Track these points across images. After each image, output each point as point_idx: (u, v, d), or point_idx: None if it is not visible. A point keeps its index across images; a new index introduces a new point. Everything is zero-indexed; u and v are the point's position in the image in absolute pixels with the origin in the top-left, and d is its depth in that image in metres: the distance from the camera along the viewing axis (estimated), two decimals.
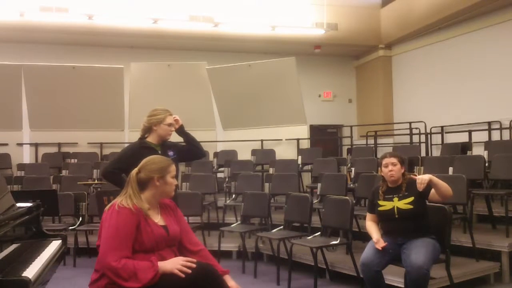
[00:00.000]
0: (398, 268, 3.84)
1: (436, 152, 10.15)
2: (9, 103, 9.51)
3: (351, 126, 11.90)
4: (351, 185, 6.55)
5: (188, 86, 10.15)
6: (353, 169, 7.58)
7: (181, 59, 11.22)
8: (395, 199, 3.83)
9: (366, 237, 4.37)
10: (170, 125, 3.82)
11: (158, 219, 2.75)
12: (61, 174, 8.52)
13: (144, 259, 2.56)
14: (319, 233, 5.09)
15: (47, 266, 2.79)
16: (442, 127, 10.68)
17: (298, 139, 9.58)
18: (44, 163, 9.21)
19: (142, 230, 2.62)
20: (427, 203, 3.89)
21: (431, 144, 10.32)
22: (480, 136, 9.23)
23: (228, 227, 6.07)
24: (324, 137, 14.00)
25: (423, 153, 9.28)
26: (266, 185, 7.21)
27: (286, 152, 9.41)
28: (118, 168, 3.75)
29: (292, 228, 5.53)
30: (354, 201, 5.22)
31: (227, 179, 8.25)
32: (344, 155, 10.85)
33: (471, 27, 10.82)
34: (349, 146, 10.85)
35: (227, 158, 9.15)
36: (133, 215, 2.61)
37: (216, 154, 9.68)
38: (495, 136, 9.63)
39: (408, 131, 10.83)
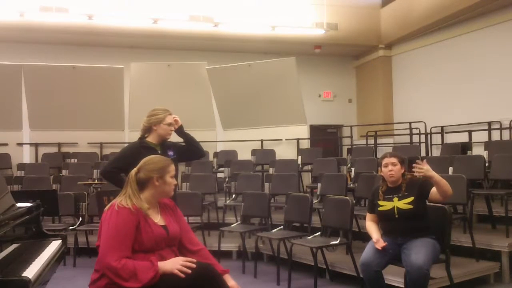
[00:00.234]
0: (398, 268, 3.84)
1: (436, 152, 10.13)
2: (9, 103, 9.50)
3: (351, 126, 11.88)
4: (351, 185, 6.55)
5: (188, 86, 10.15)
6: (353, 169, 7.58)
7: (181, 59, 11.20)
8: (395, 199, 3.83)
9: (366, 237, 4.38)
10: (170, 124, 3.82)
11: (157, 219, 2.75)
12: (61, 174, 8.51)
13: (144, 259, 2.56)
14: (319, 233, 5.10)
15: (47, 266, 2.79)
16: (442, 127, 10.66)
17: (298, 139, 9.58)
18: (44, 163, 9.19)
19: (141, 230, 2.61)
20: (427, 203, 3.89)
21: (431, 144, 10.31)
22: (480, 136, 9.21)
23: (228, 227, 6.07)
24: (324, 137, 13.98)
25: (423, 153, 9.27)
26: (266, 185, 7.20)
27: (286, 152, 9.41)
28: (118, 167, 3.74)
29: (292, 228, 5.53)
30: (354, 201, 5.23)
31: (227, 179, 8.26)
32: (344, 155, 10.86)
33: (471, 27, 10.81)
34: (349, 146, 10.85)
35: (227, 158, 9.14)
36: (133, 215, 2.61)
37: (216, 154, 9.68)
38: (495, 136, 9.61)
39: (408, 131, 10.81)
